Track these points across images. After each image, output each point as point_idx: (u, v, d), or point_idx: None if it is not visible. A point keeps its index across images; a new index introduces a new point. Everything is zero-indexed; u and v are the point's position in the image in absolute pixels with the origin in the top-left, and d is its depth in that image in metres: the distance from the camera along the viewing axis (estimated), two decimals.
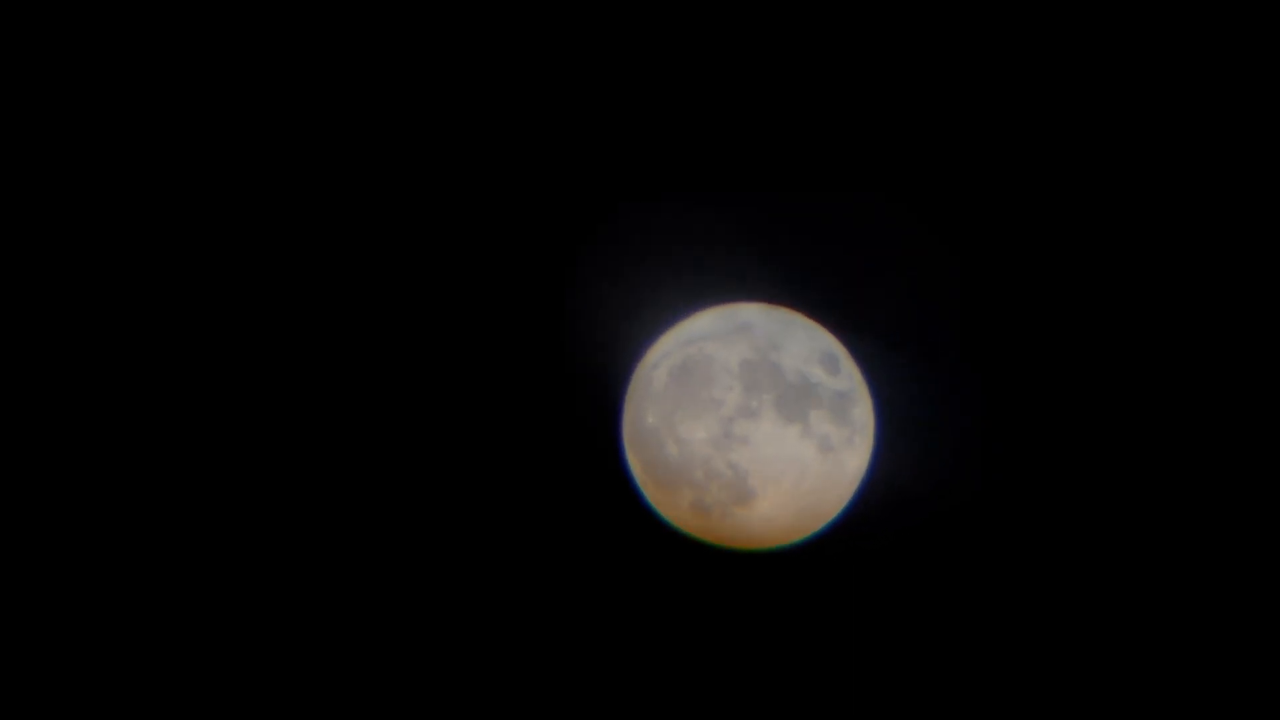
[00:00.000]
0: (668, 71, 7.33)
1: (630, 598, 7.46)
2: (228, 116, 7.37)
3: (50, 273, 7.36)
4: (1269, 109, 7.31)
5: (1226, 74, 7.33)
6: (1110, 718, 7.48)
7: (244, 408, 7.44)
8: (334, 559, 7.47)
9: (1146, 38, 7.36)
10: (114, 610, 7.41)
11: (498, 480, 7.46)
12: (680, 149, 7.36)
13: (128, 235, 7.37)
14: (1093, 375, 7.42)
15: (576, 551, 7.45)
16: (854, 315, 7.32)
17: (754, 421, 7.03)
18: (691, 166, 7.34)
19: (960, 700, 7.51)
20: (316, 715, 7.47)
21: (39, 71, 7.27)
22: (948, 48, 7.31)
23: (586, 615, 7.49)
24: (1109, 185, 7.38)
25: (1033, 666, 7.50)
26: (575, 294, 7.36)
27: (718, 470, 7.07)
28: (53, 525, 7.37)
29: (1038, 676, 7.51)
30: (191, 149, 7.37)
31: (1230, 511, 7.45)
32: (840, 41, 7.32)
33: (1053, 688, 7.50)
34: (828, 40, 7.31)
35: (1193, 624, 7.45)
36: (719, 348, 7.13)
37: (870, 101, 7.32)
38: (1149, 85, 7.34)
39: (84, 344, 7.37)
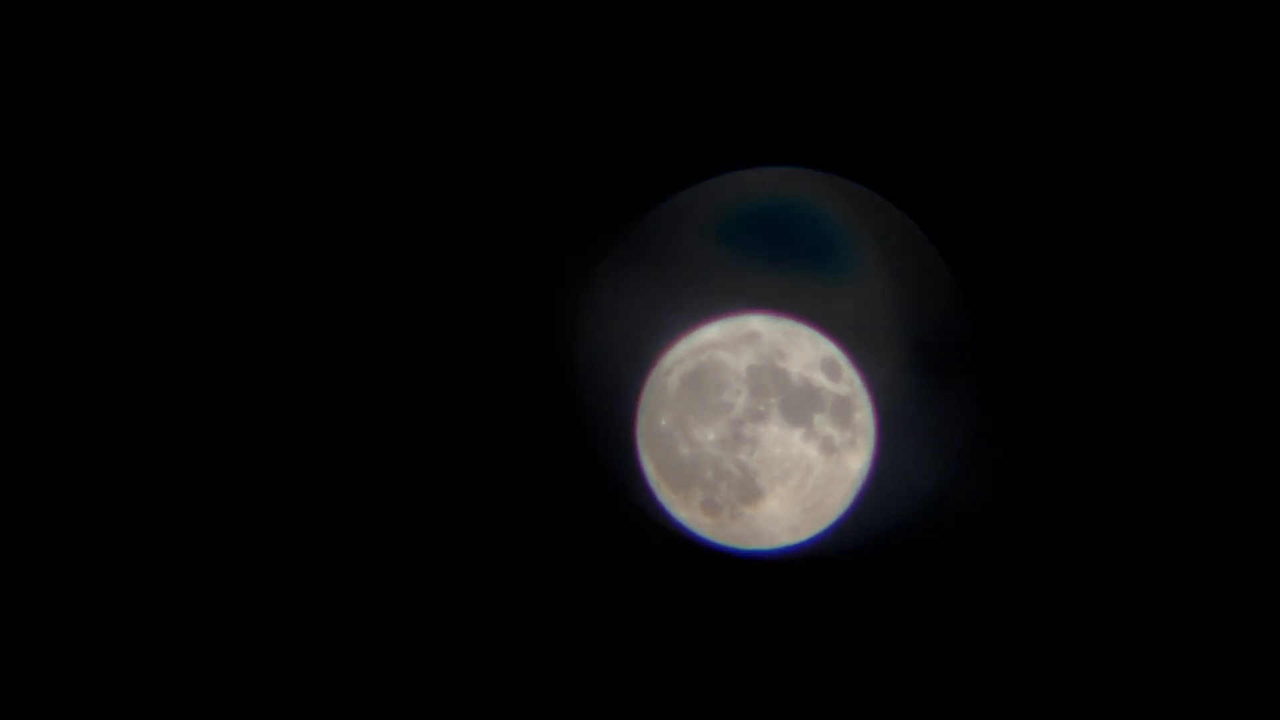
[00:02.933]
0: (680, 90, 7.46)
1: (642, 593, 7.55)
2: (243, 118, 7.37)
3: (40, 272, 7.35)
4: (1271, 110, 7.31)
5: (1228, 74, 7.38)
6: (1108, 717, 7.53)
7: (250, 417, 7.46)
8: (342, 562, 7.47)
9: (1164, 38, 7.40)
10: (95, 609, 7.38)
11: (516, 479, 7.53)
12: (697, 166, 7.49)
13: (115, 231, 7.34)
14: (1090, 379, 7.49)
15: (592, 549, 7.54)
16: (854, 325, 7.42)
17: (761, 424, 7.25)
18: (703, 179, 7.48)
19: (956, 697, 7.60)
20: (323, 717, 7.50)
21: (39, 71, 7.25)
22: (948, 54, 7.37)
23: (598, 609, 7.58)
24: (1108, 189, 7.42)
25: (1027, 666, 7.55)
26: (595, 307, 7.47)
27: (727, 470, 7.28)
28: (49, 525, 7.36)
29: (1033, 676, 7.56)
30: (190, 149, 7.38)
31: (1238, 518, 7.46)
32: (840, 52, 7.39)
33: (1048, 689, 7.55)
34: (829, 51, 7.38)
35: (1198, 627, 7.47)
36: (728, 355, 7.33)
37: (870, 112, 7.40)
38: (1164, 88, 7.36)
39: (60, 340, 7.34)
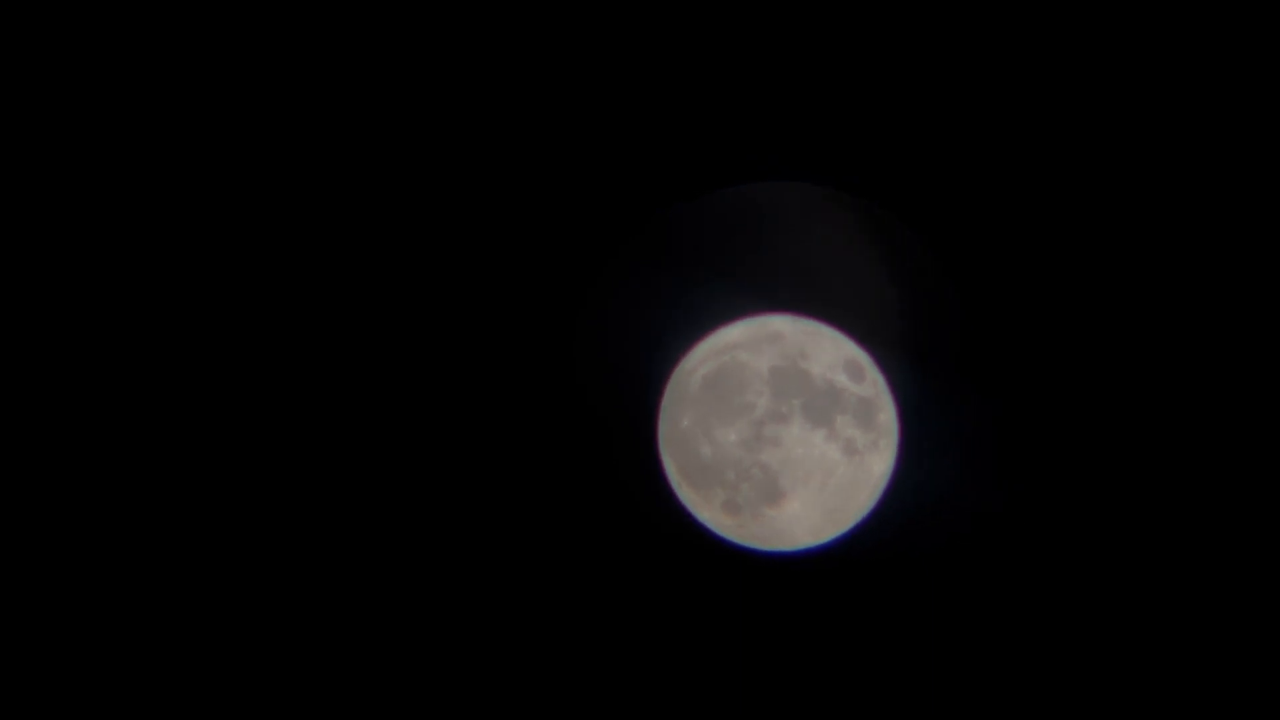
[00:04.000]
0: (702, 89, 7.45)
1: (663, 592, 7.56)
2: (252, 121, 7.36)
3: (40, 272, 7.35)
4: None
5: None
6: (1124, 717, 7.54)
7: (269, 417, 7.47)
8: (361, 563, 7.49)
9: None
10: (84, 611, 7.38)
11: (542, 478, 7.55)
12: (719, 174, 7.49)
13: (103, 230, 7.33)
14: (1112, 381, 7.48)
15: (615, 548, 7.55)
16: (877, 326, 7.42)
17: (783, 425, 7.23)
18: (729, 182, 7.48)
19: (975, 697, 7.60)
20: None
21: (39, 71, 7.24)
22: (969, 58, 7.37)
23: (619, 607, 7.59)
24: (1126, 193, 7.42)
25: (1047, 670, 7.55)
26: (615, 308, 7.48)
27: (749, 471, 7.27)
28: (49, 523, 7.37)
29: (1051, 680, 7.56)
30: (191, 148, 7.36)
31: (1261, 520, 7.47)
32: (864, 57, 7.38)
33: (1065, 691, 7.56)
34: (853, 55, 7.38)
35: (1218, 632, 7.48)
36: (751, 356, 7.32)
37: (892, 117, 7.39)
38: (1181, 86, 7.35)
39: (59, 338, 7.34)
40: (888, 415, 7.40)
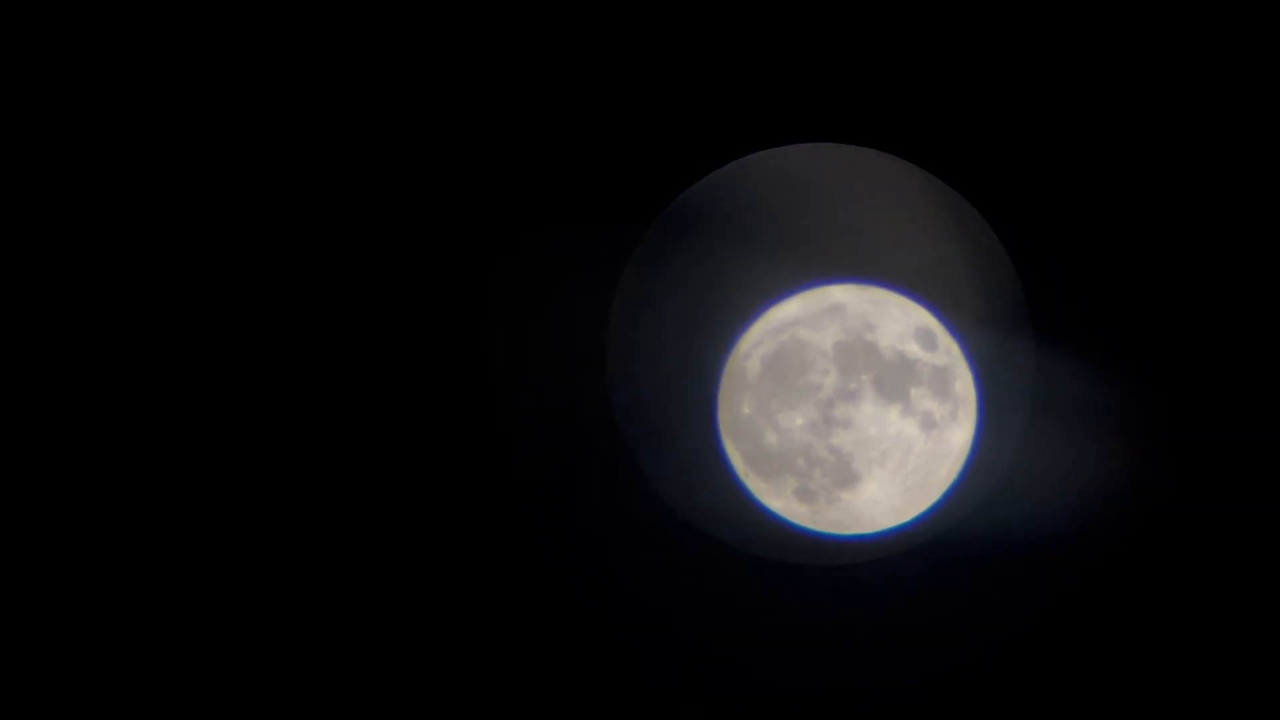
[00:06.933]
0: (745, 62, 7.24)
1: (741, 588, 7.37)
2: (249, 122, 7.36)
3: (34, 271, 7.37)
4: None
5: None
6: None
7: (268, 416, 7.44)
8: (402, 561, 7.45)
9: None
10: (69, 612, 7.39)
11: (595, 484, 7.40)
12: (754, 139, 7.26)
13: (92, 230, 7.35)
14: (1200, 328, 7.26)
15: (682, 548, 7.36)
16: (948, 290, 7.19)
17: (854, 404, 6.96)
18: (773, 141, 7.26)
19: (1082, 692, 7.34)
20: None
21: (39, 71, 7.28)
22: (1031, 19, 7.20)
23: (696, 610, 7.42)
24: (1200, 142, 7.22)
25: (1165, 673, 7.32)
26: (659, 294, 7.28)
27: (820, 456, 7.01)
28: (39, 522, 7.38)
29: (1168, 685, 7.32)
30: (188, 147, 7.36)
31: None
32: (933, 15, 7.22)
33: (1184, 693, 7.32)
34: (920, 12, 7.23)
35: None
36: (811, 332, 7.05)
37: (958, 68, 7.23)
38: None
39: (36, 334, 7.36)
40: (965, 383, 7.14)
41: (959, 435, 7.14)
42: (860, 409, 6.96)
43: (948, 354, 7.11)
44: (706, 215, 7.23)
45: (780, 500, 7.18)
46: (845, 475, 7.03)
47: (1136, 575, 7.25)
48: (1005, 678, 7.33)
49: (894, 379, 7.00)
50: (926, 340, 7.09)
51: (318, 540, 7.39)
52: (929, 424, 7.05)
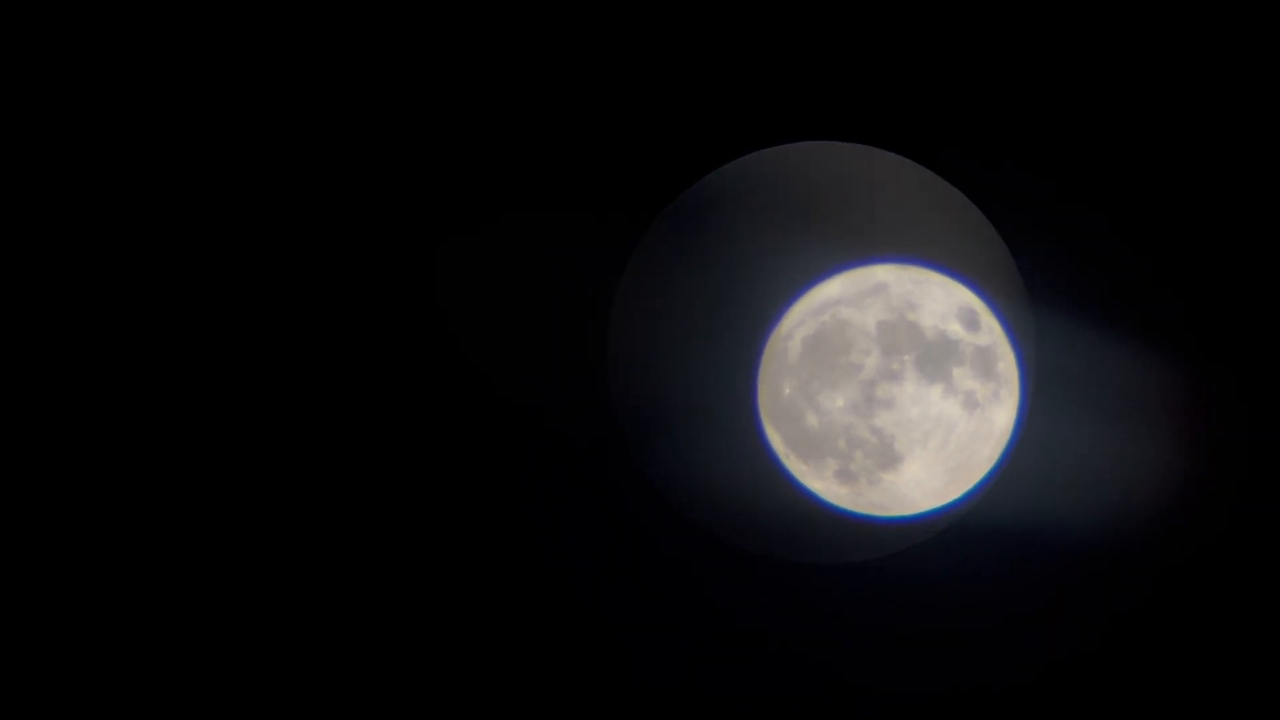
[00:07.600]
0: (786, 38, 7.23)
1: (782, 571, 7.36)
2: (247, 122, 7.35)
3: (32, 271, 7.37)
4: None
5: None
6: None
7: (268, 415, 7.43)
8: (443, 552, 7.44)
9: None
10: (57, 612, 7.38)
11: (634, 469, 7.40)
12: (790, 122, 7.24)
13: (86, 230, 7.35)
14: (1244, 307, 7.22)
15: (723, 530, 7.36)
16: (991, 270, 7.17)
17: (895, 384, 6.93)
18: (816, 128, 7.25)
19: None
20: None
21: (39, 71, 7.28)
22: (1107, 28, 7.18)
23: (738, 594, 7.41)
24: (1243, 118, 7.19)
25: (1208, 661, 7.25)
26: (698, 276, 7.28)
27: (861, 437, 6.98)
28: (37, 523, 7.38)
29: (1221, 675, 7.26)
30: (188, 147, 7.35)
31: None
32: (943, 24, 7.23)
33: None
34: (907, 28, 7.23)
35: None
36: (853, 311, 7.02)
37: (995, 58, 7.22)
38: None
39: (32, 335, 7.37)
40: (1008, 363, 7.10)
41: (1002, 415, 7.10)
42: (902, 389, 6.93)
43: (990, 333, 7.08)
44: (737, 197, 7.22)
45: (821, 482, 7.15)
46: (887, 456, 7.00)
47: (1175, 570, 7.22)
48: (1051, 678, 7.31)
49: (936, 359, 6.97)
50: (969, 320, 7.06)
51: (318, 540, 7.38)
52: (971, 404, 7.01)
